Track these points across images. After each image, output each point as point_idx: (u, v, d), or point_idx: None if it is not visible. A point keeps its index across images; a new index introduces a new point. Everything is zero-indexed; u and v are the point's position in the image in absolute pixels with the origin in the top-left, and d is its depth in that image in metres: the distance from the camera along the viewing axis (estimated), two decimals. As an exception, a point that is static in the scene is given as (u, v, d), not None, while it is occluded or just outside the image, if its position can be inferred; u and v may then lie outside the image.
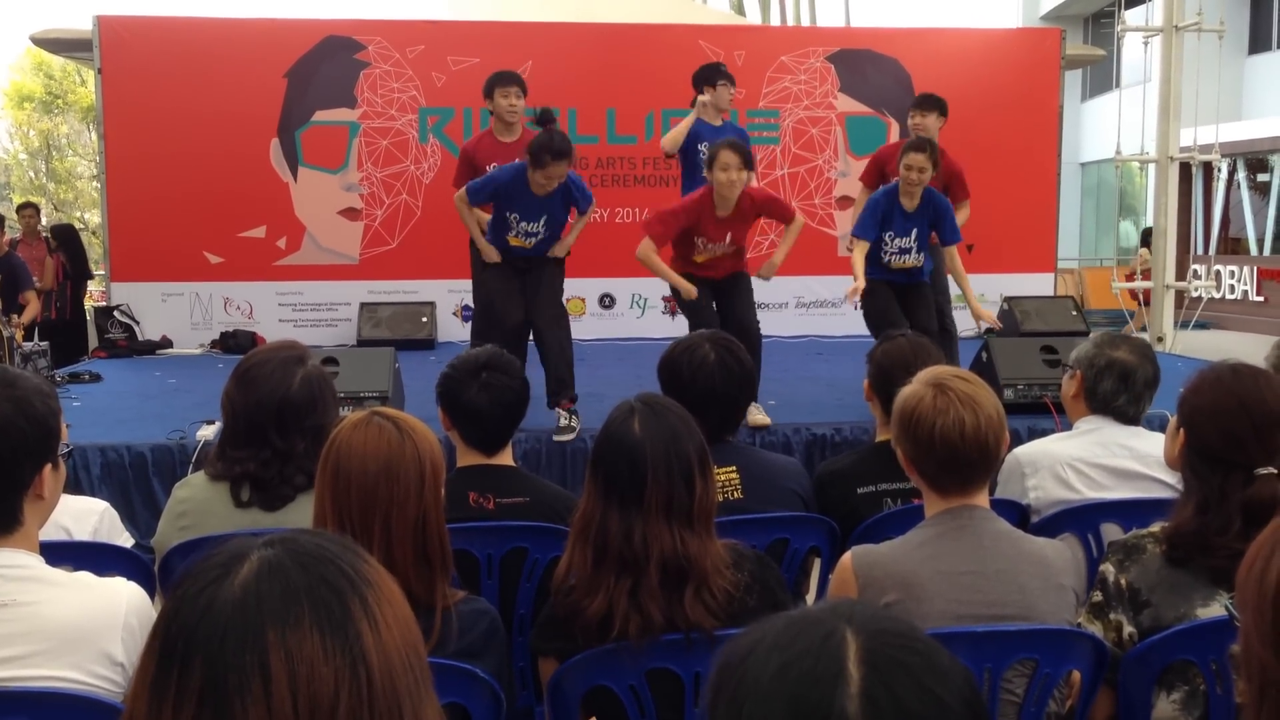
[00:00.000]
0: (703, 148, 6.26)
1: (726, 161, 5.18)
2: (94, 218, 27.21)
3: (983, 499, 2.18)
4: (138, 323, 9.23)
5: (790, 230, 5.69)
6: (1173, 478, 2.26)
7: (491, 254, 5.60)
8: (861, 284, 5.60)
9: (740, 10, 25.87)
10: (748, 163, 5.24)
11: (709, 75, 6.44)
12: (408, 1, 12.42)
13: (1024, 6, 26.28)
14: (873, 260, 5.77)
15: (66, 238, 10.76)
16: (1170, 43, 9.00)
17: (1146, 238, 12.90)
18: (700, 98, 6.49)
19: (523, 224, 5.52)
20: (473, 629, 1.95)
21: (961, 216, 6.20)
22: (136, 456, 5.18)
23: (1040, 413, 5.50)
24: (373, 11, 11.76)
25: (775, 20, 25.86)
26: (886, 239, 5.74)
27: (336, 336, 9.50)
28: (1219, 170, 16.44)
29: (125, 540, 2.70)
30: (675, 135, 6.37)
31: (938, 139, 6.13)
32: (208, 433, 5.24)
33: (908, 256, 5.77)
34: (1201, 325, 11.55)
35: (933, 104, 6.43)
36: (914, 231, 5.73)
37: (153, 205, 9.33)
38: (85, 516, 2.61)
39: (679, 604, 1.97)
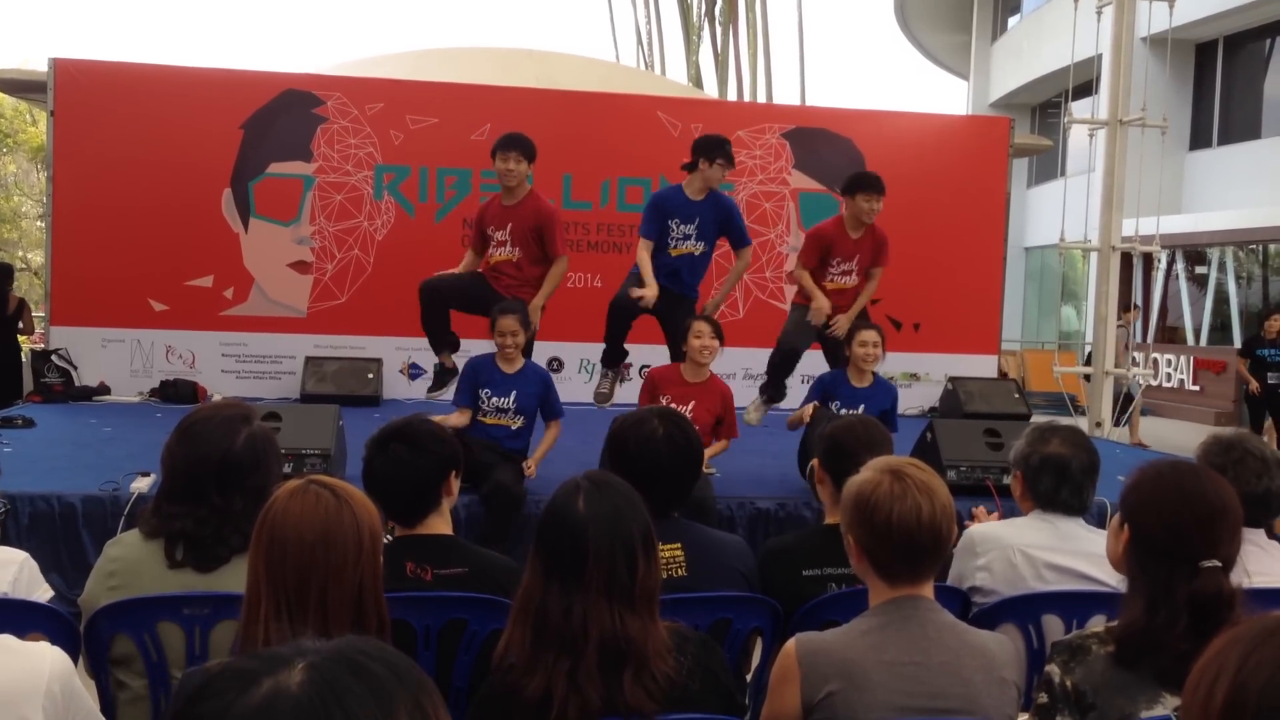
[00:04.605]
0: (673, 224, 6.25)
1: (699, 330, 5.61)
2: (36, 258, 26.78)
3: (929, 589, 2.17)
4: (75, 368, 9.07)
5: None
6: (1118, 579, 2.26)
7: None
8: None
9: (698, 83, 26.28)
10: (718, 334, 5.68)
11: (711, 149, 6.14)
12: (368, 60, 12.48)
13: (973, 94, 26.98)
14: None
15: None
16: (1115, 136, 9.24)
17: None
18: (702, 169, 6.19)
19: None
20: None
21: (874, 284, 6.62)
22: (66, 507, 5.05)
23: (983, 495, 5.53)
24: (333, 68, 11.79)
25: (732, 95, 26.29)
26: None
27: (280, 389, 9.39)
28: (1159, 261, 16.83)
29: (45, 592, 2.64)
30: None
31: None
32: (142, 485, 5.12)
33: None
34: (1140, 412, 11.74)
35: (883, 188, 6.29)
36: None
37: (99, 249, 9.23)
38: (4, 567, 2.55)
39: (618, 687, 1.93)
